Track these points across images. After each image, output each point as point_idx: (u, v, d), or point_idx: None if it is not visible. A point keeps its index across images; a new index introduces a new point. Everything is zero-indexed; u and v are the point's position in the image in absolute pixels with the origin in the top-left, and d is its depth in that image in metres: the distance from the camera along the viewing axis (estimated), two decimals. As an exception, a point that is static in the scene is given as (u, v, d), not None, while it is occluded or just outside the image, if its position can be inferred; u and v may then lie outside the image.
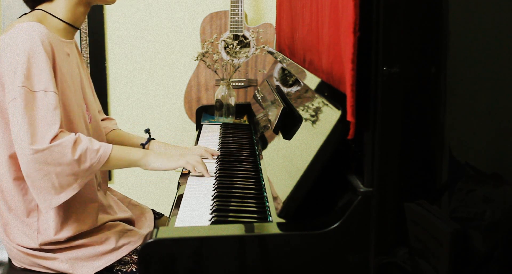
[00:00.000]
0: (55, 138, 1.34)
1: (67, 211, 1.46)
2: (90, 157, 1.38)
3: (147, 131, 1.80)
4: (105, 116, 1.85)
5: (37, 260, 1.48)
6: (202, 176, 1.54)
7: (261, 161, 1.57)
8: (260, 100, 2.04)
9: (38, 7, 1.49)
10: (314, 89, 1.35)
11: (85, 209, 1.50)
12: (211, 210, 1.29)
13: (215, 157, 1.73)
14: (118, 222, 1.59)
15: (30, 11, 1.50)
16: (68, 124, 1.46)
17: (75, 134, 1.38)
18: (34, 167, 1.33)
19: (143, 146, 1.78)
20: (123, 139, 1.81)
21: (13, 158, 1.44)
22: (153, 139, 1.80)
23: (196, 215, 1.27)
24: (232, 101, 2.19)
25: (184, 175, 1.56)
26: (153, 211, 1.82)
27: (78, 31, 2.94)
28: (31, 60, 1.36)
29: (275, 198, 1.24)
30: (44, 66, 1.37)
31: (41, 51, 1.37)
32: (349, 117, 1.03)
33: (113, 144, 1.78)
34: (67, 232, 1.46)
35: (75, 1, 1.50)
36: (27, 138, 1.33)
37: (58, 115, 1.36)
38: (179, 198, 1.39)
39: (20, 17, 1.49)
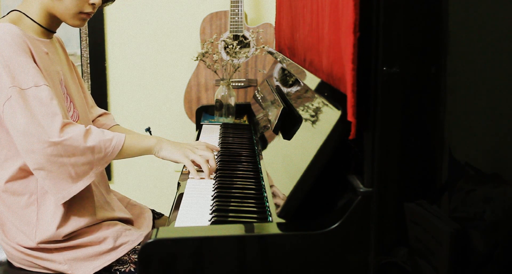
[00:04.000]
0: (63, 127, 1.35)
1: (63, 207, 1.46)
2: (105, 147, 1.40)
3: (148, 130, 1.80)
4: (101, 111, 1.84)
5: (36, 260, 1.48)
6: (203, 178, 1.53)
7: (261, 161, 1.57)
8: (260, 100, 2.04)
9: (17, 8, 1.49)
10: (314, 89, 1.35)
11: (81, 204, 1.50)
12: (211, 210, 1.29)
13: (216, 152, 1.73)
14: (117, 221, 1.58)
15: (8, 13, 1.50)
16: None
17: (86, 126, 1.40)
18: (49, 160, 1.35)
19: None
20: None
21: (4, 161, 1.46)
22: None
23: (196, 215, 1.27)
24: (232, 101, 2.19)
25: (184, 175, 1.56)
26: (153, 210, 1.82)
27: (78, 31, 2.95)
28: (11, 60, 1.36)
29: (275, 198, 1.24)
30: (26, 62, 1.37)
31: (18, 50, 1.37)
32: (350, 118, 1.03)
33: None
34: (65, 229, 1.46)
35: (48, 11, 1.49)
36: (36, 133, 1.34)
37: (57, 105, 1.37)
38: (179, 198, 1.39)
39: None
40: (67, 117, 1.45)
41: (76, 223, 1.48)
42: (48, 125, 1.35)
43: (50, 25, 1.52)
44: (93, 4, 1.49)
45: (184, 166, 1.68)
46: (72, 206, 1.48)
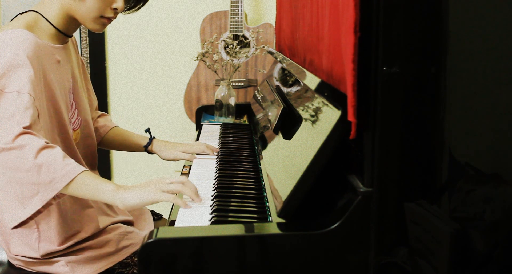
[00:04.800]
0: (20, 134, 1.24)
1: (66, 220, 1.45)
2: (55, 170, 1.23)
3: (148, 131, 1.79)
4: (100, 112, 1.82)
5: (38, 266, 1.47)
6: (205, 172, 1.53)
7: (261, 161, 1.57)
8: (260, 100, 2.04)
9: (34, 8, 1.45)
10: (314, 89, 1.35)
11: (84, 216, 1.49)
12: (211, 210, 1.29)
13: (216, 153, 1.74)
14: (119, 224, 1.58)
15: (26, 12, 1.45)
16: (61, 134, 1.44)
17: (50, 143, 1.27)
18: None
19: (145, 147, 1.78)
20: (124, 138, 1.80)
21: None
22: (154, 137, 1.80)
23: (196, 215, 1.27)
24: (232, 101, 2.19)
25: (184, 175, 1.56)
26: (152, 211, 1.82)
27: (78, 31, 2.95)
28: (12, 66, 1.30)
29: (275, 198, 1.24)
30: (24, 70, 1.30)
31: (26, 62, 1.31)
32: (351, 118, 1.03)
33: (113, 142, 1.79)
34: (69, 242, 1.45)
35: (68, 13, 1.44)
36: None
37: (29, 116, 1.26)
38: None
39: (14, 17, 1.45)
40: (40, 131, 1.32)
41: (81, 235, 1.47)
42: (6, 130, 1.24)
43: (67, 29, 1.48)
44: (115, 9, 1.44)
45: (184, 166, 1.68)
46: (74, 221, 1.46)
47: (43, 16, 1.44)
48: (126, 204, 1.25)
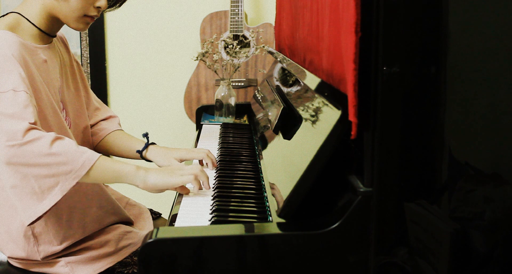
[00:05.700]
0: (28, 130, 1.23)
1: (62, 219, 1.44)
2: (72, 159, 1.24)
3: (145, 135, 1.68)
4: (106, 114, 1.76)
5: (38, 266, 1.47)
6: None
7: (261, 161, 1.57)
8: (260, 100, 2.04)
9: (15, 9, 1.44)
10: (314, 89, 1.35)
11: (89, 214, 1.48)
12: (211, 210, 1.29)
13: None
14: (118, 224, 1.58)
15: (7, 14, 1.44)
16: (59, 130, 1.42)
17: (58, 134, 1.28)
18: (11, 169, 1.23)
19: (140, 152, 1.67)
20: (120, 143, 1.71)
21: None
22: (153, 143, 1.69)
23: (196, 215, 1.27)
24: (232, 101, 2.19)
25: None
26: (150, 210, 1.81)
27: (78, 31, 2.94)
28: (1, 66, 1.29)
29: (275, 198, 1.24)
30: (13, 67, 1.29)
31: (14, 62, 1.30)
32: (352, 118, 1.03)
33: (110, 148, 1.72)
34: (69, 240, 1.45)
35: (50, 13, 1.43)
36: None
37: (31, 113, 1.26)
38: (179, 198, 1.39)
39: None
40: (43, 127, 1.32)
41: (79, 235, 1.46)
42: (11, 128, 1.23)
43: (50, 29, 1.47)
44: (98, 7, 1.43)
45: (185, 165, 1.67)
46: (72, 221, 1.45)
47: (24, 17, 1.42)
48: (147, 184, 1.32)
